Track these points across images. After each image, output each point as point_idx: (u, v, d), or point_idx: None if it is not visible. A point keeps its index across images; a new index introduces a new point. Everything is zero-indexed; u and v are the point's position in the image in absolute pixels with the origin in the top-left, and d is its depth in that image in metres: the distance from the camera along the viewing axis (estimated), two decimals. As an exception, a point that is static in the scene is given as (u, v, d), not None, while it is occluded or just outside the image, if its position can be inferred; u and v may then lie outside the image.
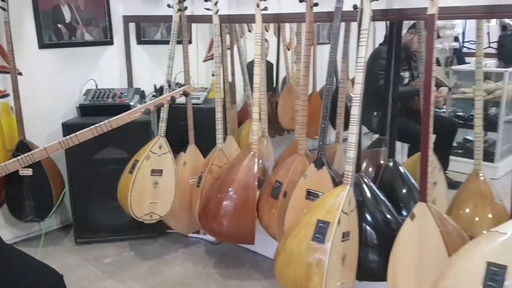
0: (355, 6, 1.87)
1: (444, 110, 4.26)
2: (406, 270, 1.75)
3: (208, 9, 2.41)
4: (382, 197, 2.00)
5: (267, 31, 3.80)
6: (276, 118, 3.70)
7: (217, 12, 2.39)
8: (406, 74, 3.48)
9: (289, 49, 4.01)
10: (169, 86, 2.47)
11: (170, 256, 2.69)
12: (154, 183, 2.50)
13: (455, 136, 3.75)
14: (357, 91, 1.81)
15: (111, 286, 2.42)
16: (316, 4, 2.05)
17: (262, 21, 2.24)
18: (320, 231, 1.77)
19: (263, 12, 2.23)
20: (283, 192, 2.18)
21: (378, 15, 1.94)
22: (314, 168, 2.05)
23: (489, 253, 1.40)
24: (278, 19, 2.39)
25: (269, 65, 3.83)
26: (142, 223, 2.59)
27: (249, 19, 2.30)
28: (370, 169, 2.33)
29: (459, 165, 3.47)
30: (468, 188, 2.04)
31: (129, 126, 2.64)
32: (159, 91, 3.12)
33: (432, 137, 1.85)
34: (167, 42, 2.59)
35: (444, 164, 3.21)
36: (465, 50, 5.12)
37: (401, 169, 2.22)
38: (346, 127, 3.20)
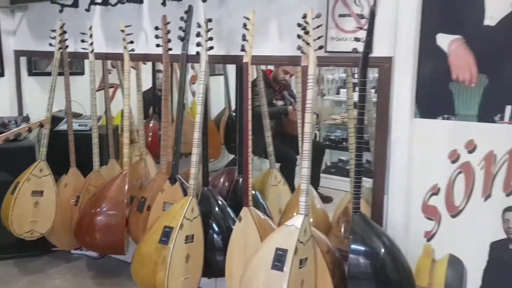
0: (197, 52, 2.32)
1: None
2: (237, 261, 2.15)
3: (84, 48, 2.76)
4: (227, 207, 2.41)
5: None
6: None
7: (92, 51, 2.75)
8: (280, 103, 4.01)
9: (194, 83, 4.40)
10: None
11: (52, 271, 2.93)
12: (35, 203, 2.75)
13: (323, 156, 4.32)
14: (197, 120, 2.25)
15: (-9, 299, 2.62)
16: (170, 49, 2.49)
17: (129, 60, 2.63)
18: (166, 235, 2.16)
19: (131, 52, 2.63)
20: (147, 206, 2.54)
21: (219, 59, 2.41)
22: (169, 184, 2.44)
23: (278, 240, 1.86)
24: (146, 59, 2.79)
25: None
26: (28, 242, 2.82)
27: (121, 57, 2.68)
28: (227, 184, 2.75)
29: (332, 182, 4.03)
30: (296, 196, 2.52)
31: (15, 151, 2.95)
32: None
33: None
34: (59, 74, 2.88)
35: (316, 181, 3.72)
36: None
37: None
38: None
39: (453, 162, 1.93)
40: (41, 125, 1.86)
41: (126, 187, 2.63)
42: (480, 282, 1.93)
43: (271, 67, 3.80)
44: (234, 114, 4.03)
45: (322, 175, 4.13)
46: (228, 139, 3.95)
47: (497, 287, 1.90)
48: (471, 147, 1.89)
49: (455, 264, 1.97)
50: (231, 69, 3.84)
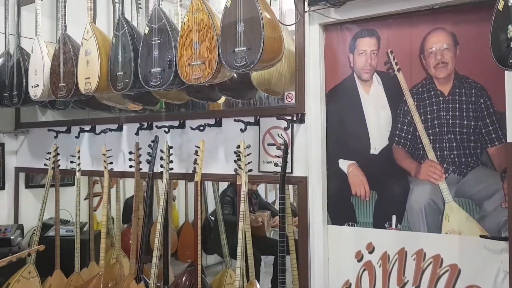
0: (162, 171, 2.87)
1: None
2: None
3: (72, 168, 3.34)
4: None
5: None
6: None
7: (79, 170, 3.32)
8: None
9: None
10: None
11: None
12: (22, 302, 3.14)
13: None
14: (157, 228, 2.73)
15: None
16: (140, 169, 3.05)
17: (109, 177, 3.18)
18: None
19: (111, 170, 3.20)
20: (117, 303, 2.94)
21: (180, 176, 2.96)
22: (135, 283, 2.86)
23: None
24: (122, 176, 3.34)
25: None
26: None
27: (103, 174, 3.24)
28: (188, 282, 3.15)
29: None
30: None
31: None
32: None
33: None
34: (52, 186, 3.42)
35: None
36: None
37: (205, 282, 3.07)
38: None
39: (359, 261, 2.39)
40: (38, 250, 2.40)
41: (101, 286, 3.04)
42: None
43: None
44: (211, 217, 4.51)
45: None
46: (204, 239, 4.37)
47: None
48: (371, 249, 2.36)
49: None
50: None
